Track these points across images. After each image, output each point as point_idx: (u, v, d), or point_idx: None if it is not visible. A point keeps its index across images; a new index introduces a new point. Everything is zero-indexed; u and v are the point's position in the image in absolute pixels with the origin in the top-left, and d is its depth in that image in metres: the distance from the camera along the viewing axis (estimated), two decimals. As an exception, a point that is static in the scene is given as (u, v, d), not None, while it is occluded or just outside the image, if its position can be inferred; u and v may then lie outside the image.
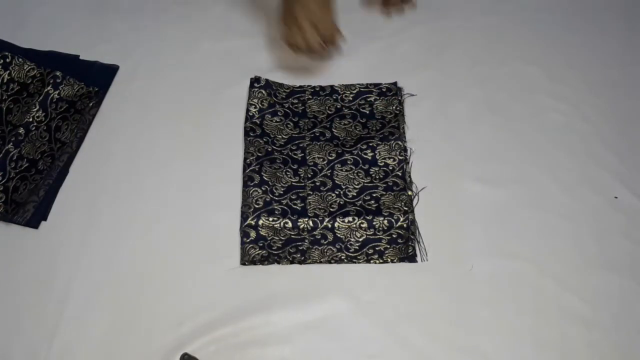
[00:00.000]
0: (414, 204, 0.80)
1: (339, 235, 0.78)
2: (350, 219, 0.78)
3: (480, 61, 0.95)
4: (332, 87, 0.90)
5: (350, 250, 0.77)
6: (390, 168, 0.83)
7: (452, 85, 0.91)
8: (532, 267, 0.76)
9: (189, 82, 0.89)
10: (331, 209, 0.79)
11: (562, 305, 0.74)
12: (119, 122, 0.86)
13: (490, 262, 0.76)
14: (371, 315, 0.72)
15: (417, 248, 0.77)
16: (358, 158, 0.83)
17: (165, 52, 0.93)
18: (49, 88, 0.84)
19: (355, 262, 0.76)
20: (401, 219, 0.78)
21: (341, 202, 0.80)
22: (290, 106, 0.88)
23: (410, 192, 0.81)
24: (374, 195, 0.81)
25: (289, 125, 0.87)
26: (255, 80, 0.89)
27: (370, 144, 0.84)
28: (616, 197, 0.82)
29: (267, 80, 0.89)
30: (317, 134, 0.86)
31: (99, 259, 0.75)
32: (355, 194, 0.81)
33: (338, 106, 0.89)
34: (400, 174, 0.82)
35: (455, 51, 0.95)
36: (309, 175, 0.82)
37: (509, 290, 0.74)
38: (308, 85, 0.90)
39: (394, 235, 0.78)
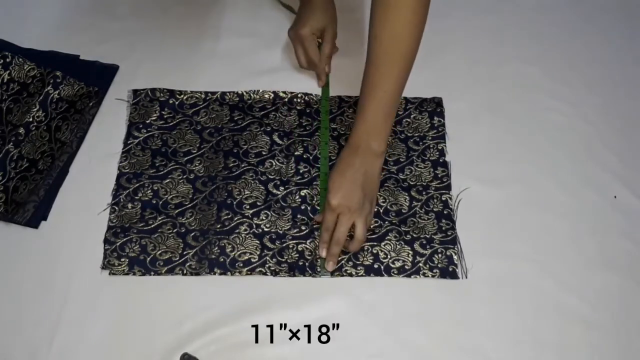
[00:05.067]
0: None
1: None
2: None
3: (480, 61, 0.94)
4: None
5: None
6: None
7: (452, 85, 0.91)
8: (532, 267, 0.76)
9: (189, 82, 0.89)
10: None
11: (562, 305, 0.74)
12: (119, 122, 0.86)
13: (490, 262, 0.76)
14: (371, 315, 0.72)
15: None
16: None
17: (165, 52, 0.93)
18: (49, 88, 0.84)
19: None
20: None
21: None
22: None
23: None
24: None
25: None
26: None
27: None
28: (615, 197, 0.82)
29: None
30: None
31: (99, 259, 0.75)
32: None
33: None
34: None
35: (455, 51, 0.95)
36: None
37: (509, 290, 0.75)
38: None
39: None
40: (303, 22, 0.88)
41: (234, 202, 0.79)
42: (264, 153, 0.83)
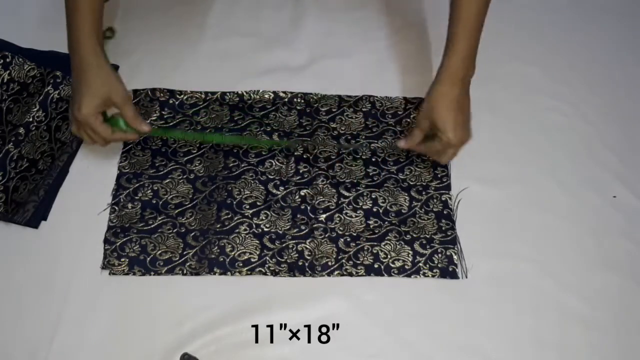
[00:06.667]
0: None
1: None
2: None
3: (480, 61, 0.94)
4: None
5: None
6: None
7: (452, 85, 0.91)
8: (532, 267, 0.76)
9: (189, 82, 0.89)
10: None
11: (562, 305, 0.74)
12: (119, 122, 0.86)
13: (490, 262, 0.76)
14: (371, 315, 0.72)
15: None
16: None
17: (165, 52, 0.93)
18: (49, 88, 0.84)
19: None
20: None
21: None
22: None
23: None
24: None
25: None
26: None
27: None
28: (615, 197, 0.82)
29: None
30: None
31: (99, 259, 0.75)
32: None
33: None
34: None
35: (455, 51, 0.95)
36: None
37: (509, 290, 0.75)
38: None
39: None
40: (78, 101, 0.69)
41: (234, 202, 0.79)
42: (263, 153, 0.83)
